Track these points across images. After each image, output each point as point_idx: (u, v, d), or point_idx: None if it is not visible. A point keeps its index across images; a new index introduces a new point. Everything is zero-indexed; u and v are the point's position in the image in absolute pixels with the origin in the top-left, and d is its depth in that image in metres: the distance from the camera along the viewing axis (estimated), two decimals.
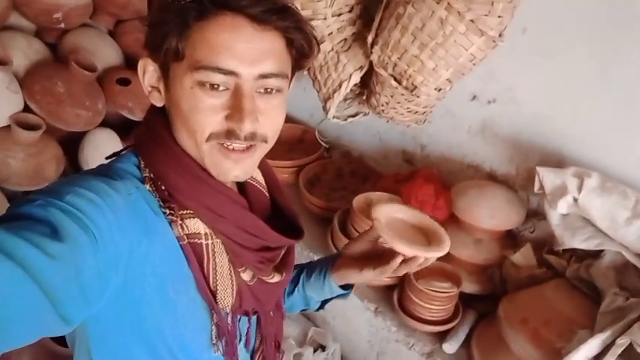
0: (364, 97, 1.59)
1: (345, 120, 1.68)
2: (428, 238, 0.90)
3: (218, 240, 0.71)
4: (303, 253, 1.65)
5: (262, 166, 0.84)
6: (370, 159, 1.92)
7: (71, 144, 1.80)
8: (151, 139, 0.71)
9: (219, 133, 0.65)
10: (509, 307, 1.26)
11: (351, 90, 1.60)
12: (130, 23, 2.09)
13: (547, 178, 1.28)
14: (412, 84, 1.32)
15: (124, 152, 0.73)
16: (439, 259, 1.43)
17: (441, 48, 1.25)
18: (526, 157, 1.48)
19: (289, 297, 1.00)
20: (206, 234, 0.70)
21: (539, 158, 1.43)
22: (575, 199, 1.23)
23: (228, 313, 0.74)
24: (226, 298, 0.72)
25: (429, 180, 1.56)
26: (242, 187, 0.80)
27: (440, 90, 1.35)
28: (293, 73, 0.73)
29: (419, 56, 1.27)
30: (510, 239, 1.47)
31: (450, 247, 1.41)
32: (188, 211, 0.69)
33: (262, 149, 0.71)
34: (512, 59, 1.41)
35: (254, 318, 0.81)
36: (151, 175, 0.69)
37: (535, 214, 1.47)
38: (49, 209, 0.55)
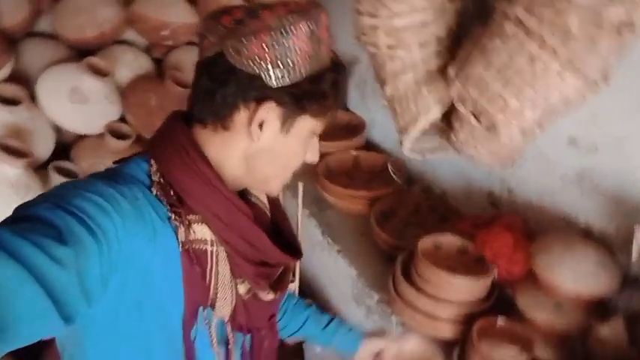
0: (445, 133, 1.49)
1: (423, 155, 1.58)
2: None
3: (222, 248, 0.74)
4: (364, 290, 1.57)
5: None
6: (452, 198, 1.80)
7: None
8: (169, 144, 0.73)
9: None
10: None
11: (433, 125, 1.50)
12: None
13: None
14: (492, 123, 1.20)
15: (132, 158, 0.75)
16: (512, 320, 1.30)
17: (528, 87, 1.12)
18: (630, 214, 1.28)
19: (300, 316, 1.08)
20: (212, 241, 0.72)
21: None
22: None
23: (225, 323, 0.77)
24: (225, 307, 0.75)
25: (510, 228, 1.41)
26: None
27: (526, 133, 1.21)
28: None
29: (502, 94, 1.15)
30: (599, 308, 1.27)
31: (526, 309, 1.30)
32: (196, 217, 0.71)
33: None
34: (619, 103, 1.23)
35: (248, 336, 0.83)
36: (161, 181, 0.71)
37: (635, 282, 1.26)
38: (56, 212, 0.56)
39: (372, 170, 2.01)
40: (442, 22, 1.32)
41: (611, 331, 1.18)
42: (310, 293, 1.89)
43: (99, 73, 1.66)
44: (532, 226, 1.49)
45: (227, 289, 0.74)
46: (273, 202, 0.89)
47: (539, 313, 1.28)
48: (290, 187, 1.73)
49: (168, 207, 0.69)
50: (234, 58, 0.68)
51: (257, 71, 0.68)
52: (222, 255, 0.74)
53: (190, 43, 2.16)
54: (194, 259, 0.71)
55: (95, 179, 0.66)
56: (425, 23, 1.31)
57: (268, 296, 0.81)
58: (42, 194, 0.61)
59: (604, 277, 1.23)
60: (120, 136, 1.68)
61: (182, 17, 2.00)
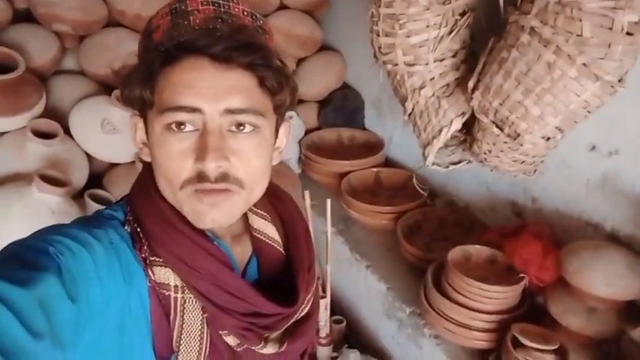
0: (467, 144, 1.51)
1: (447, 167, 1.60)
2: None
3: (190, 295, 0.66)
4: (395, 304, 1.58)
5: (287, 219, 0.79)
6: (476, 209, 1.81)
7: None
8: (137, 185, 0.71)
9: (192, 178, 0.62)
10: None
11: (454, 137, 1.53)
12: None
13: None
14: (515, 131, 1.23)
15: (121, 200, 0.74)
16: (545, 326, 1.30)
17: (548, 94, 1.15)
18: None
19: None
20: (176, 286, 0.66)
21: None
22: None
23: None
24: None
25: (537, 236, 1.42)
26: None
27: (548, 139, 1.24)
28: (278, 114, 0.69)
29: (522, 102, 1.18)
30: (631, 311, 1.27)
31: (559, 315, 1.30)
32: (159, 259, 0.66)
33: (242, 196, 0.65)
34: (637, 105, 1.25)
35: None
36: (130, 218, 0.68)
37: None
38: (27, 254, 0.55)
39: (393, 186, 2.04)
40: (456, 37, 1.36)
41: None
42: (340, 311, 1.90)
43: None
44: (558, 234, 1.50)
45: (193, 343, 0.66)
46: (295, 238, 0.78)
47: (572, 318, 1.28)
48: (315, 207, 1.76)
49: (135, 247, 0.66)
50: None
51: None
52: (191, 303, 0.66)
53: None
54: (161, 303, 0.65)
55: (73, 225, 0.65)
56: (439, 39, 1.35)
57: (265, 350, 0.70)
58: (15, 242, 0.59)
59: (634, 280, 1.23)
60: None
61: None
